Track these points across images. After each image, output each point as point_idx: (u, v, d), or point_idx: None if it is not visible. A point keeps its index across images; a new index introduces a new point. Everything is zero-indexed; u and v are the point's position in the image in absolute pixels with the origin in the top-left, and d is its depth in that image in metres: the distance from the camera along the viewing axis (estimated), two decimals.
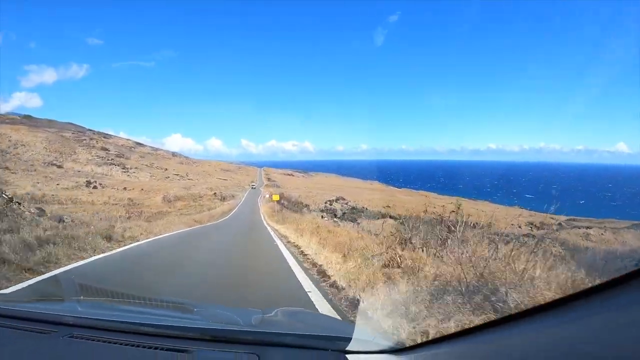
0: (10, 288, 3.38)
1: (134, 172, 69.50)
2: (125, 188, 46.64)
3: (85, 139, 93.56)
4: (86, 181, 46.99)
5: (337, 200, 46.64)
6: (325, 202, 44.04)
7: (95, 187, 45.59)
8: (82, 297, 1.59)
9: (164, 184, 56.58)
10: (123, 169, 70.35)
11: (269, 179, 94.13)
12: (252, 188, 62.74)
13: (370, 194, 73.14)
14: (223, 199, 42.41)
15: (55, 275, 4.00)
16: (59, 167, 60.41)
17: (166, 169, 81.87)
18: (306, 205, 40.13)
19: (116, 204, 38.02)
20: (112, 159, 76.30)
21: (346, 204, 46.38)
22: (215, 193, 45.73)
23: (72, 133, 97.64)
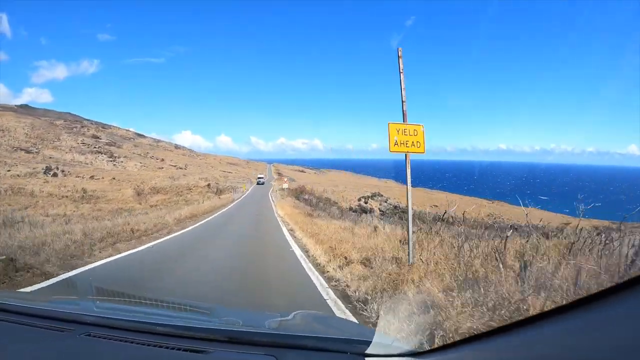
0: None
1: (122, 161, 59.11)
2: (92, 177, 35.72)
3: (76, 127, 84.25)
4: (45, 167, 36.29)
5: (373, 196, 34.67)
6: (359, 199, 32.20)
7: (55, 175, 34.91)
8: (97, 297, 1.56)
9: (150, 174, 45.67)
10: (110, 157, 60.00)
11: (279, 174, 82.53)
12: (259, 183, 47.91)
13: (401, 191, 61.19)
14: (219, 192, 31.02)
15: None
16: (28, 152, 50.25)
17: (162, 160, 71.44)
18: (335, 203, 28.40)
19: (65, 197, 27.19)
20: (99, 147, 66.12)
21: (385, 201, 34.43)
22: (209, 184, 34.35)
23: (65, 121, 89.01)
